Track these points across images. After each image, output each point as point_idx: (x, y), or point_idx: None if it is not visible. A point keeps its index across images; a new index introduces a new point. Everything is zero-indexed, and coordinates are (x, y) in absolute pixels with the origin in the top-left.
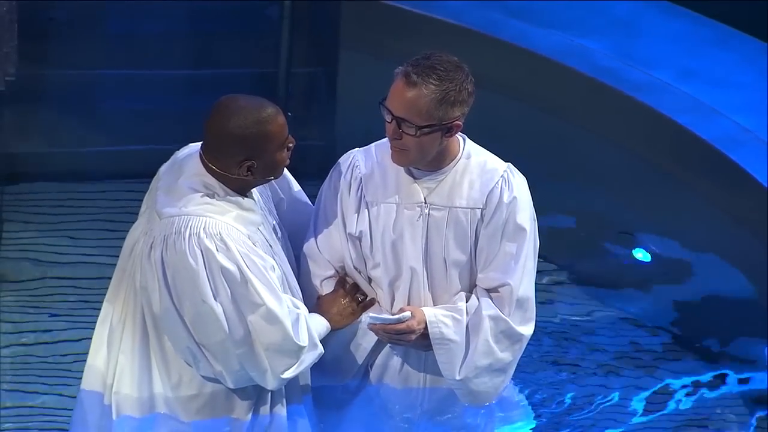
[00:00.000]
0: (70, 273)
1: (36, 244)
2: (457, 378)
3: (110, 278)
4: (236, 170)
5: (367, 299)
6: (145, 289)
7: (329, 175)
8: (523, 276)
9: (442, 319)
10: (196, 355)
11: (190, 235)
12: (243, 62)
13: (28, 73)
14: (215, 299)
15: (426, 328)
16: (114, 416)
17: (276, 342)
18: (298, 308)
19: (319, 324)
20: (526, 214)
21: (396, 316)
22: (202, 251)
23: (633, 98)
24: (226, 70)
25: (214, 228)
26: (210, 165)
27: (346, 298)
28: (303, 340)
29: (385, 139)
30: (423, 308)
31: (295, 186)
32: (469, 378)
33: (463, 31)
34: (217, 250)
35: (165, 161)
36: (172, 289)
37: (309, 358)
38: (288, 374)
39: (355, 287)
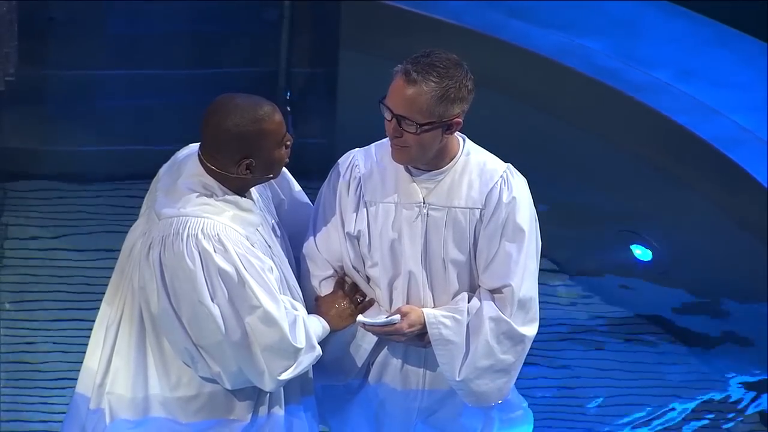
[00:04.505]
0: (70, 273)
1: (36, 244)
2: (458, 379)
3: (109, 276)
4: (235, 169)
5: (366, 300)
6: (143, 290)
7: (329, 175)
8: (524, 276)
9: (441, 320)
10: (193, 356)
11: (188, 236)
12: (243, 62)
13: (28, 73)
14: (212, 300)
15: (423, 328)
16: (107, 417)
17: (273, 344)
18: (296, 310)
19: (318, 326)
20: (525, 214)
21: (385, 320)
22: (199, 252)
23: (633, 98)
24: (226, 69)
25: (212, 229)
26: (208, 165)
27: (344, 299)
28: (300, 342)
29: (385, 140)
30: (423, 309)
31: (296, 187)
32: (470, 379)
33: (463, 31)
34: (214, 251)
35: (165, 161)
36: (169, 290)
37: (307, 359)
38: (285, 376)
39: (354, 288)
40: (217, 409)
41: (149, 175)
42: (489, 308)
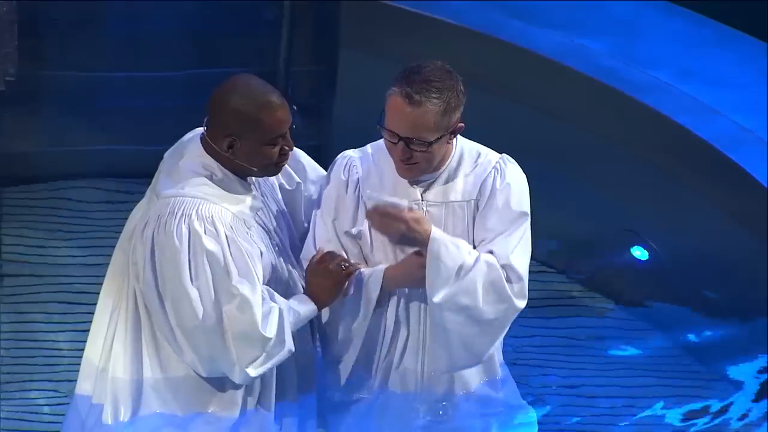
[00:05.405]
0: (69, 273)
1: (35, 244)
2: (435, 300)
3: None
4: (220, 143)
5: (354, 263)
6: (135, 266)
7: (326, 176)
8: (516, 252)
9: (445, 241)
10: (169, 339)
11: (181, 215)
12: (243, 62)
13: (28, 73)
14: (192, 283)
15: (424, 240)
16: (108, 407)
17: (244, 330)
18: (273, 301)
19: (304, 309)
20: (519, 198)
21: (393, 200)
22: (189, 233)
23: (633, 98)
24: (226, 69)
25: (206, 211)
26: (205, 135)
27: (332, 261)
28: (270, 332)
29: (381, 141)
30: (434, 227)
31: (316, 170)
32: (443, 307)
33: (463, 31)
34: (204, 232)
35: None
36: (157, 268)
37: (276, 353)
38: (254, 369)
39: (342, 258)
40: (208, 391)
41: (149, 174)
42: (488, 255)
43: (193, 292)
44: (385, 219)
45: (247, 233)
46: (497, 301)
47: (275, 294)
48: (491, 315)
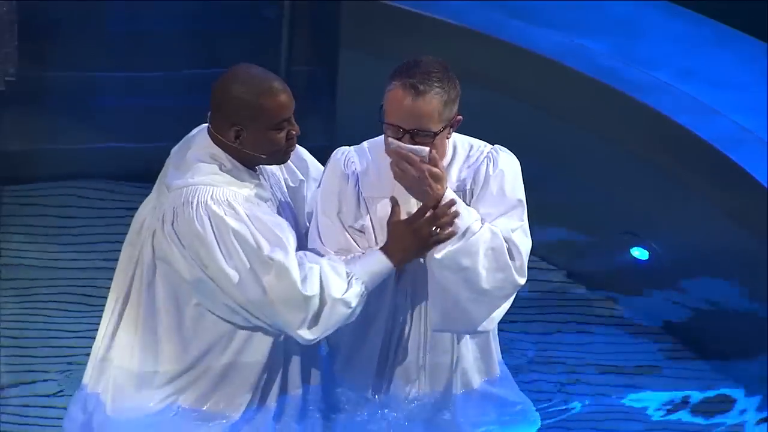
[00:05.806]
0: (70, 274)
1: (36, 245)
2: (436, 255)
3: (111, 278)
4: (227, 134)
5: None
6: (164, 262)
7: (324, 173)
8: (516, 232)
9: (459, 203)
10: (236, 310)
11: (197, 203)
12: (242, 61)
13: (28, 73)
14: (227, 263)
15: (436, 196)
16: (110, 396)
17: (286, 295)
18: (312, 263)
19: (383, 267)
20: (513, 185)
21: (416, 147)
22: (209, 217)
23: (633, 98)
24: (226, 69)
25: (221, 195)
26: (210, 127)
27: (431, 222)
28: (311, 291)
29: (378, 138)
30: (449, 189)
31: (316, 171)
32: (443, 264)
33: (463, 31)
34: (225, 214)
35: (165, 161)
36: (193, 256)
37: (324, 310)
38: (308, 330)
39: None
40: (210, 387)
41: (149, 174)
42: (494, 226)
43: (232, 272)
44: (403, 163)
45: (263, 206)
46: (496, 269)
47: (311, 255)
48: (488, 283)
